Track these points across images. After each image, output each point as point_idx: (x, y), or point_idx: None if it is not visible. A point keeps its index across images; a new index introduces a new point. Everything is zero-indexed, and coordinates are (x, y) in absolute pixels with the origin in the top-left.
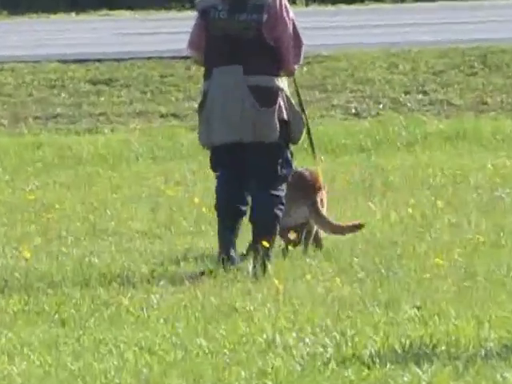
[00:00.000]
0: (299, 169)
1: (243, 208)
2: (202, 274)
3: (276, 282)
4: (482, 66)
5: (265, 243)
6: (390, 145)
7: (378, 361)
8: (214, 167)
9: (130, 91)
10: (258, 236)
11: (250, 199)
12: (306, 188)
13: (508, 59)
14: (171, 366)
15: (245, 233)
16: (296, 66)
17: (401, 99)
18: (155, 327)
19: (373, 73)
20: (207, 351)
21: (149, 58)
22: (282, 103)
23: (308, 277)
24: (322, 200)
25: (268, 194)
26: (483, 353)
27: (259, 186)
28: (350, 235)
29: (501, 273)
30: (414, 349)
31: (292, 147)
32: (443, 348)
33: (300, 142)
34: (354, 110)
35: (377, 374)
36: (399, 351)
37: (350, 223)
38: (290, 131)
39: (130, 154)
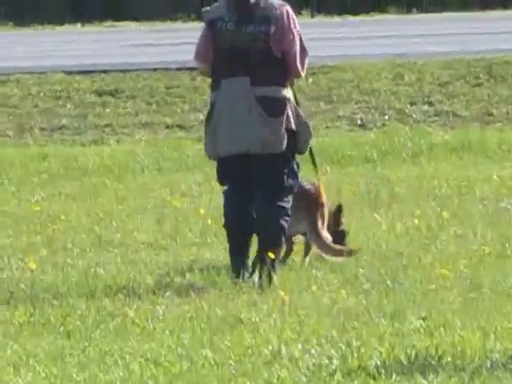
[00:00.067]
0: (303, 183)
1: (252, 227)
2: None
3: (282, 293)
4: (488, 77)
5: (270, 254)
6: (396, 156)
7: (383, 372)
8: (220, 180)
9: (135, 102)
10: (263, 247)
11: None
12: (308, 204)
13: None
14: (177, 378)
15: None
16: (302, 74)
17: (406, 110)
18: (161, 338)
19: (378, 84)
20: (213, 362)
21: (154, 70)
22: (289, 113)
23: (313, 288)
24: (323, 216)
25: (274, 205)
26: (489, 364)
27: (265, 197)
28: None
29: (506, 284)
30: (420, 360)
31: (298, 158)
32: (449, 359)
33: (306, 153)
34: (359, 121)
35: None
36: (405, 362)
37: (346, 248)
38: (297, 141)
39: (135, 165)
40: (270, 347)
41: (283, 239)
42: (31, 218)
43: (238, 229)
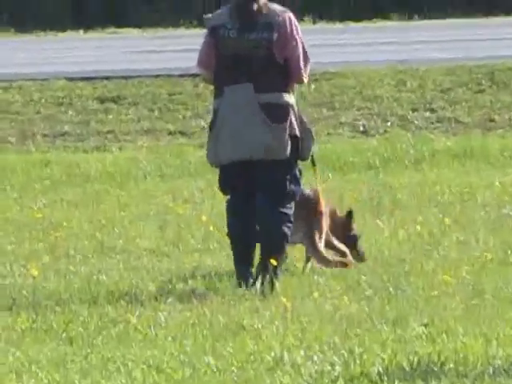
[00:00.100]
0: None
1: (255, 236)
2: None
3: (284, 299)
4: (490, 84)
5: (273, 261)
6: (398, 162)
7: (386, 378)
8: (222, 189)
9: (137, 109)
10: (266, 254)
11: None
12: (305, 213)
13: None
14: None
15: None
16: (305, 80)
17: (408, 117)
18: (163, 345)
19: (380, 90)
20: (215, 369)
21: (157, 76)
22: (293, 119)
23: (316, 295)
24: (321, 226)
25: (277, 211)
26: (491, 370)
27: (268, 204)
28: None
29: (509, 290)
30: (422, 366)
31: (301, 164)
32: (451, 365)
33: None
34: (361, 128)
35: None
36: (407, 369)
37: (340, 259)
38: (300, 148)
39: (137, 171)
40: (273, 354)
41: (286, 246)
42: (33, 224)
43: (241, 238)
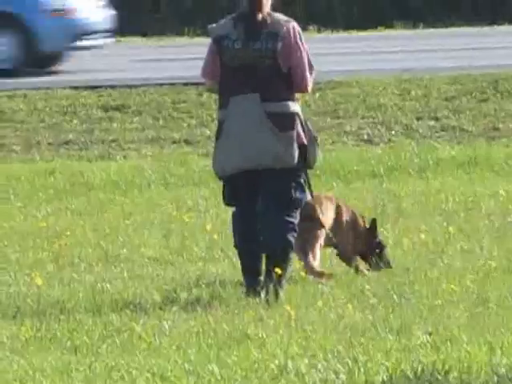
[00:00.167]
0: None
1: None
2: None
3: (288, 308)
4: (494, 92)
5: (277, 270)
6: (402, 171)
7: None
8: (227, 202)
9: (142, 117)
10: (270, 263)
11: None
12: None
13: None
14: None
15: None
16: (309, 90)
17: (413, 125)
18: (167, 354)
19: (385, 99)
20: (219, 378)
21: (161, 85)
22: (299, 127)
23: (320, 303)
24: (316, 236)
25: (282, 219)
26: (495, 379)
27: (273, 212)
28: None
29: None
30: (426, 375)
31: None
32: (455, 374)
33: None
34: (366, 137)
35: None
36: (411, 377)
37: (327, 272)
38: (307, 156)
39: (142, 180)
40: (277, 362)
41: (291, 255)
42: (38, 233)
43: (248, 249)
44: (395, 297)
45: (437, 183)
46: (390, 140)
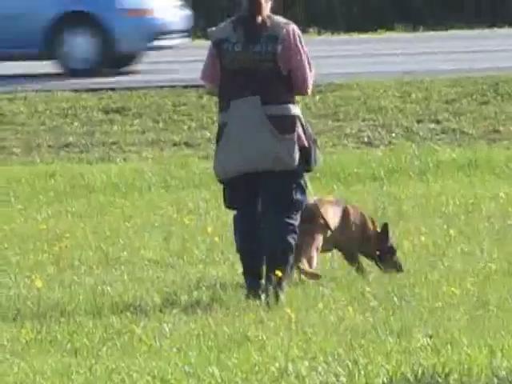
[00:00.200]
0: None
1: (264, 251)
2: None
3: (288, 310)
4: (495, 95)
5: (278, 273)
6: (403, 174)
7: None
8: (229, 205)
9: (142, 120)
10: (271, 264)
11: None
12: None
13: None
14: None
15: None
16: (309, 92)
17: (413, 128)
18: (168, 356)
19: (385, 101)
20: (220, 380)
21: (161, 87)
22: (300, 130)
23: (320, 306)
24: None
25: (282, 221)
26: (496, 382)
27: (273, 213)
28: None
29: None
30: (427, 377)
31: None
32: (456, 377)
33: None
34: (366, 139)
35: None
36: (412, 380)
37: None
38: (308, 158)
39: (142, 182)
40: (277, 365)
41: (291, 257)
42: (38, 235)
43: (249, 250)
44: (396, 299)
45: (437, 186)
46: (390, 142)
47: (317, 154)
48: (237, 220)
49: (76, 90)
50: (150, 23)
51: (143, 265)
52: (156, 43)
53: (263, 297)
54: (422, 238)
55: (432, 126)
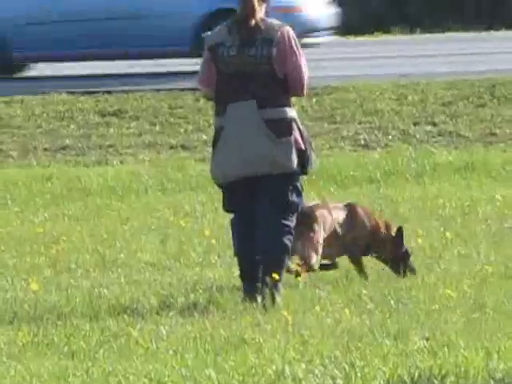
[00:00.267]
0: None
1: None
2: None
3: (285, 313)
4: (491, 98)
5: (274, 275)
6: (399, 176)
7: None
8: (227, 209)
9: (139, 123)
10: (267, 267)
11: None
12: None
13: None
14: None
15: None
16: (304, 94)
17: (410, 130)
18: (164, 359)
19: (382, 104)
20: (216, 383)
21: (158, 90)
22: (296, 133)
23: (317, 308)
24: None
25: (278, 223)
26: None
27: (270, 215)
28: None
29: (510, 304)
30: (423, 380)
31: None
32: (452, 379)
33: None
34: (362, 142)
35: None
36: (408, 382)
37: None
38: (305, 160)
39: (139, 185)
40: (274, 367)
41: (287, 259)
42: (35, 238)
43: (247, 257)
44: (392, 302)
45: (434, 188)
46: (386, 145)
47: (312, 156)
48: (234, 222)
49: (72, 93)
50: (299, 20)
51: (140, 267)
52: (305, 40)
53: (259, 299)
54: (419, 241)
55: (428, 128)
